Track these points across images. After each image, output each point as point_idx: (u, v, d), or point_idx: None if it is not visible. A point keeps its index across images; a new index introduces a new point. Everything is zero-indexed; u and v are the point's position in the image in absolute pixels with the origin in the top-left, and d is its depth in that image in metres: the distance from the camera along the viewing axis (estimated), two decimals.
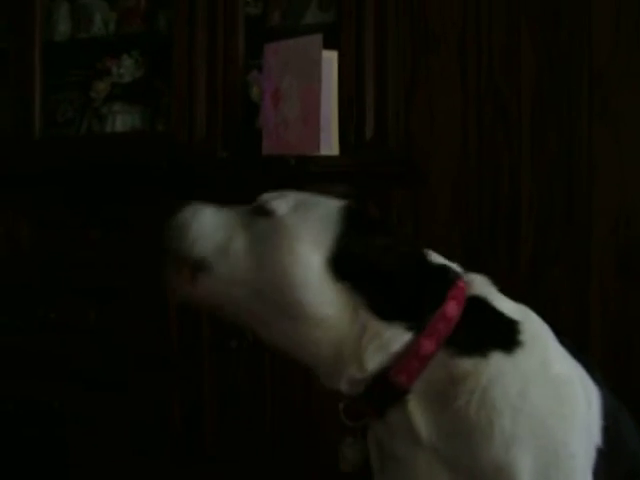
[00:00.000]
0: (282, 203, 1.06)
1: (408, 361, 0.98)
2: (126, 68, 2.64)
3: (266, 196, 1.08)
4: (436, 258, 1.06)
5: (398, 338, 0.98)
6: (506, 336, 0.99)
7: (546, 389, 0.98)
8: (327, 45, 2.19)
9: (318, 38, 2.14)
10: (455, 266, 1.07)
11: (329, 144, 2.18)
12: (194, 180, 2.31)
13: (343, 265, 0.99)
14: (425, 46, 2.50)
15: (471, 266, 1.10)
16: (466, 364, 0.97)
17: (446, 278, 1.02)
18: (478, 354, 0.97)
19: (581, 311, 2.29)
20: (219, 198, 2.21)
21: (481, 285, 1.04)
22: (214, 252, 1.04)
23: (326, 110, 2.16)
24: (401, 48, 2.46)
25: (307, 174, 2.16)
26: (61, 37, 2.74)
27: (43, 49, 2.68)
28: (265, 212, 1.05)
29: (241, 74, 2.41)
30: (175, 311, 2.33)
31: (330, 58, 2.18)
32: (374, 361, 0.99)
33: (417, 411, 0.99)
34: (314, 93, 2.12)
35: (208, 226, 1.06)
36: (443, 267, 1.04)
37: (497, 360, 0.97)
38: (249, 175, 2.22)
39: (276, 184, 2.15)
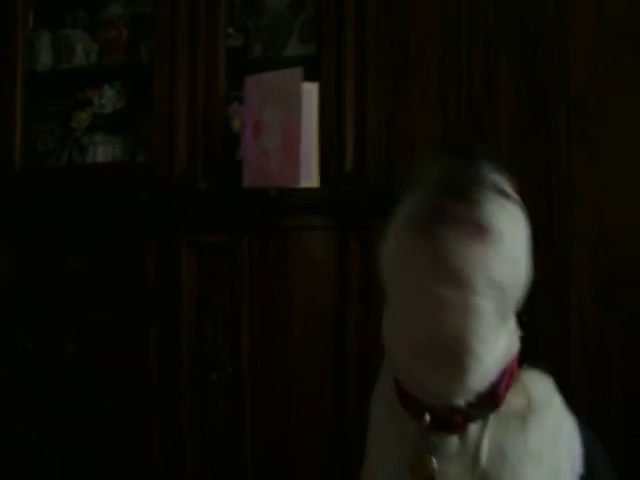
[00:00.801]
0: None
1: (507, 375, 1.03)
2: (107, 99, 2.64)
3: None
4: None
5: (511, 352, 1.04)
6: None
7: (566, 423, 1.08)
8: (308, 77, 2.21)
9: (298, 71, 2.16)
10: None
11: (309, 176, 2.19)
12: (174, 211, 2.31)
13: None
14: (405, 75, 2.53)
15: None
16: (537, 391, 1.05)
17: None
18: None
19: (560, 337, 2.29)
20: (199, 229, 2.25)
21: None
22: None
23: (307, 142, 2.18)
24: (381, 78, 2.48)
25: (287, 206, 2.16)
26: (43, 67, 2.74)
27: (25, 79, 2.69)
28: None
29: (222, 106, 2.41)
30: (155, 343, 2.32)
31: (311, 90, 2.20)
32: (496, 371, 1.02)
33: (490, 430, 1.03)
34: (295, 125, 2.14)
35: None
36: None
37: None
38: (229, 207, 2.22)
39: (256, 216, 2.19)
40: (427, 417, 1.03)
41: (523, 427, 1.03)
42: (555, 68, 2.35)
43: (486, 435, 1.02)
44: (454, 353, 0.97)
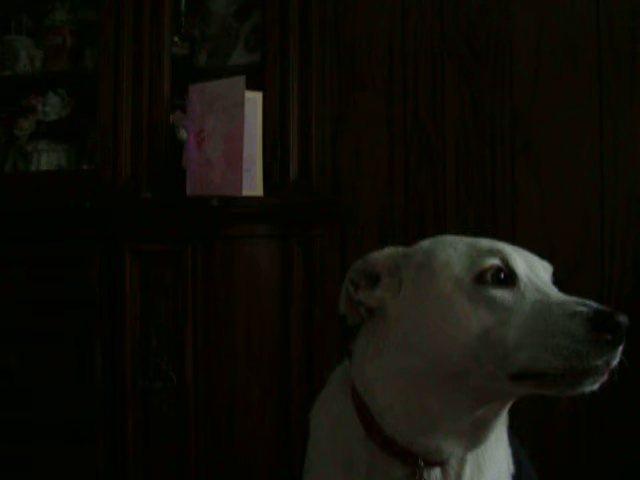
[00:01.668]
0: None
1: None
2: (51, 106, 2.62)
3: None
4: None
5: None
6: None
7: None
8: (254, 85, 2.22)
9: (241, 80, 2.16)
10: None
11: (253, 184, 2.19)
12: (118, 219, 2.29)
13: None
14: (351, 84, 2.55)
15: None
16: None
17: None
18: None
19: None
20: (143, 238, 2.24)
21: None
22: None
23: (250, 150, 2.18)
24: (327, 87, 2.50)
25: (231, 214, 2.17)
26: None
27: None
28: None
29: (166, 114, 2.41)
30: (99, 352, 2.30)
31: (254, 99, 2.20)
32: None
33: (471, 456, 1.05)
34: (237, 134, 2.14)
35: None
36: None
37: None
38: (172, 215, 2.21)
39: (200, 224, 2.18)
40: (421, 463, 1.03)
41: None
42: (499, 81, 2.39)
43: (468, 462, 1.04)
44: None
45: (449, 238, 1.06)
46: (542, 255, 1.07)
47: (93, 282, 2.31)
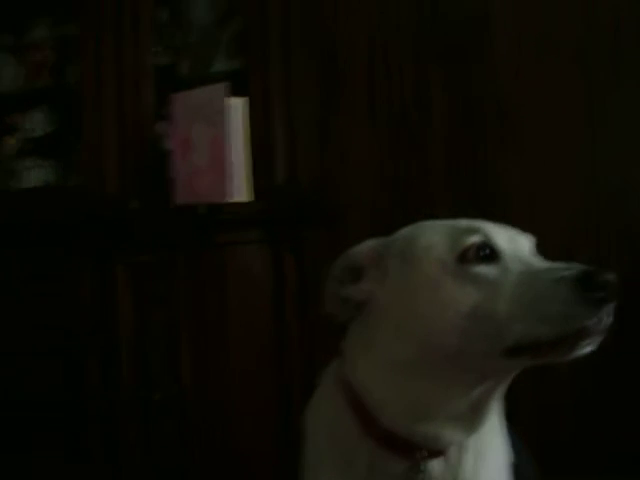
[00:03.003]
0: None
1: None
2: (36, 123, 2.62)
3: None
4: None
5: None
6: None
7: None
8: (237, 92, 2.22)
9: (222, 87, 2.16)
10: None
11: (240, 190, 2.19)
12: (108, 232, 2.29)
13: None
14: (335, 87, 2.55)
15: None
16: None
17: None
18: None
19: None
20: (134, 250, 2.23)
21: None
22: None
23: (236, 157, 2.18)
24: (311, 90, 2.50)
25: (219, 221, 2.16)
26: None
27: None
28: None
29: (151, 125, 2.41)
30: (95, 367, 2.29)
31: (237, 105, 2.20)
32: None
33: (469, 449, 1.03)
34: (222, 141, 2.14)
35: None
36: None
37: None
38: (161, 226, 2.21)
39: (189, 233, 2.18)
40: (424, 453, 1.01)
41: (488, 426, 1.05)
42: (483, 76, 2.39)
43: (468, 450, 1.03)
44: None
45: (428, 223, 1.06)
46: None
47: (85, 296, 2.31)
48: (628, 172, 2.25)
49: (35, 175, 2.64)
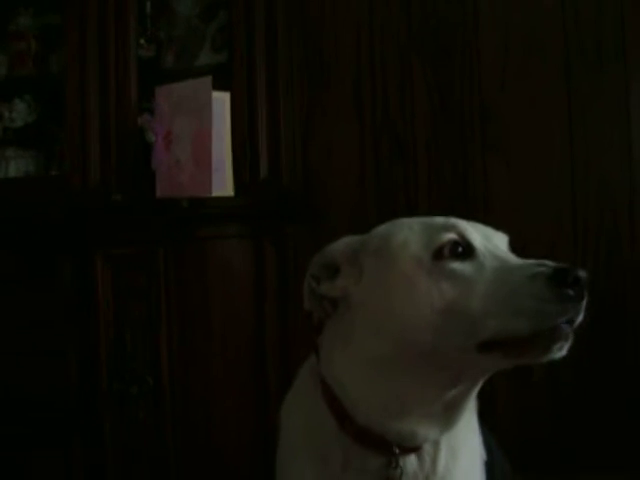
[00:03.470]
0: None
1: None
2: (18, 112, 2.60)
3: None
4: None
5: None
6: None
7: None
8: (221, 85, 2.21)
9: (208, 80, 2.16)
10: None
11: (223, 185, 2.19)
12: (88, 224, 2.28)
13: None
14: (320, 83, 2.55)
15: None
16: None
17: None
18: None
19: None
20: (114, 242, 2.23)
21: None
22: None
23: (219, 151, 2.18)
24: (296, 86, 2.50)
25: (201, 215, 2.16)
26: None
27: None
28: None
29: (134, 117, 2.40)
30: (74, 359, 2.28)
31: (222, 99, 2.20)
32: None
33: (445, 439, 1.04)
34: (205, 135, 2.14)
35: None
36: None
37: None
38: (143, 218, 2.20)
39: (171, 227, 2.18)
40: (396, 450, 1.01)
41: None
42: (467, 76, 2.40)
43: (442, 446, 1.04)
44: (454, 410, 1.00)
45: (404, 220, 1.06)
46: (514, 249, 1.07)
47: (65, 287, 2.30)
48: (607, 174, 2.27)
49: (16, 165, 2.62)
